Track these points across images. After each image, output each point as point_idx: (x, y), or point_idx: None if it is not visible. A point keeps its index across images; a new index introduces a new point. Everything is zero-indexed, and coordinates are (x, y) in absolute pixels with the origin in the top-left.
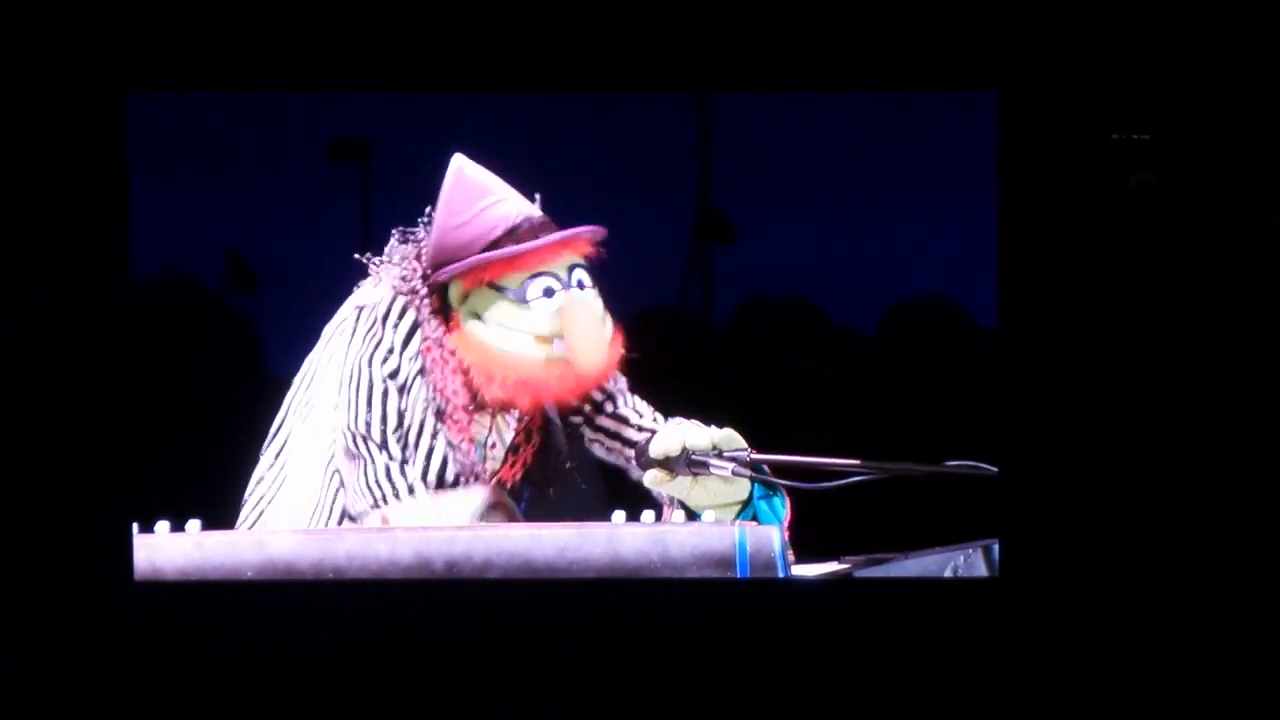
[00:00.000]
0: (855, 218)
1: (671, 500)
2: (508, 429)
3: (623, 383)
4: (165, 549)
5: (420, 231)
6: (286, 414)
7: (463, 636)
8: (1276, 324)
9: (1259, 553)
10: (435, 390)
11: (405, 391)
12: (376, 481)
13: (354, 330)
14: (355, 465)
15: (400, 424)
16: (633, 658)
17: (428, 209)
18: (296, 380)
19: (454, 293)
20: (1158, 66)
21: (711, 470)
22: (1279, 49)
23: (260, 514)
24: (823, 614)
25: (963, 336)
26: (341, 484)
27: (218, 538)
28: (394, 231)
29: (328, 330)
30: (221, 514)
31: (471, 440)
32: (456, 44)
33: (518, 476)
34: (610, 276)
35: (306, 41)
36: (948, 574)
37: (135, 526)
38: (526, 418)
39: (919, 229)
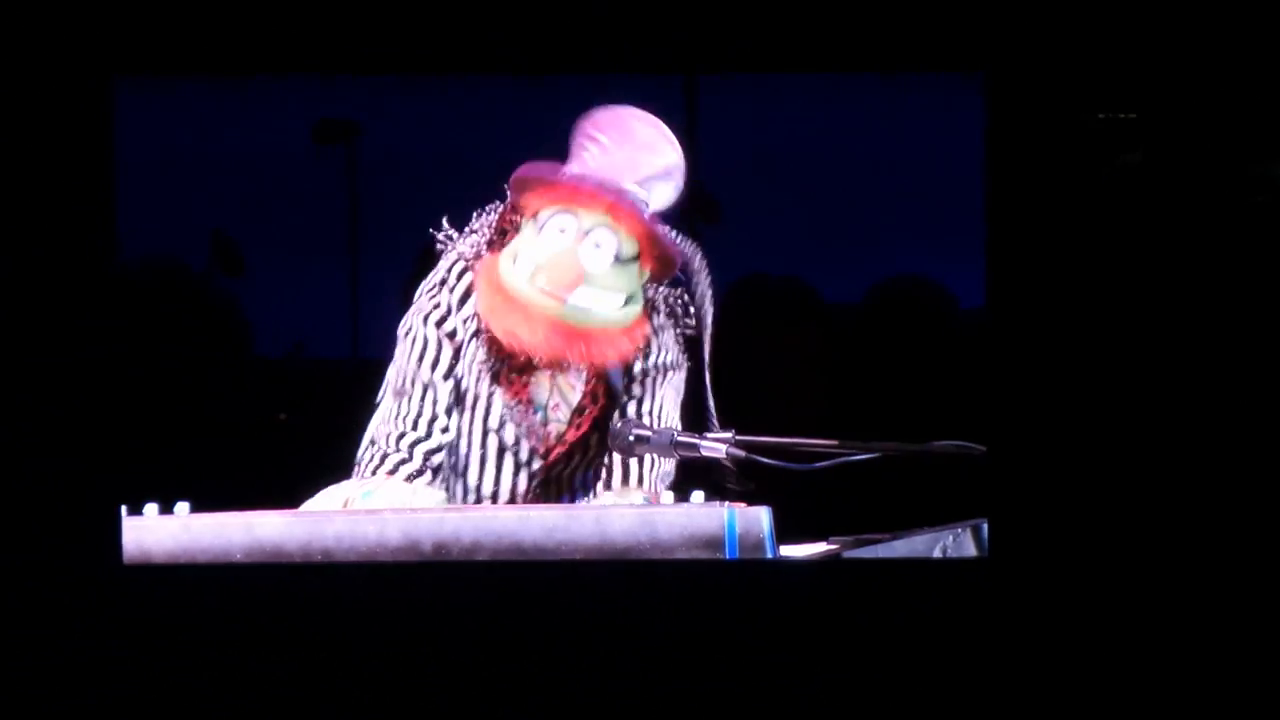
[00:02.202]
0: (842, 199)
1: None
2: (573, 390)
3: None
4: (154, 532)
5: (499, 205)
6: (384, 385)
7: (451, 618)
8: (1265, 303)
9: (1249, 533)
10: (490, 351)
11: (461, 354)
12: (409, 420)
13: (416, 300)
14: (397, 400)
15: (450, 374)
16: (621, 638)
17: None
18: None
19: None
20: (1145, 46)
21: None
22: (1265, 27)
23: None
24: (811, 595)
25: (950, 316)
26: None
27: (206, 520)
28: (487, 208)
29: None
30: (210, 496)
31: (530, 402)
32: (442, 27)
33: (585, 437)
34: None
35: (293, 24)
36: (937, 554)
37: (123, 509)
38: (593, 379)
39: (906, 209)
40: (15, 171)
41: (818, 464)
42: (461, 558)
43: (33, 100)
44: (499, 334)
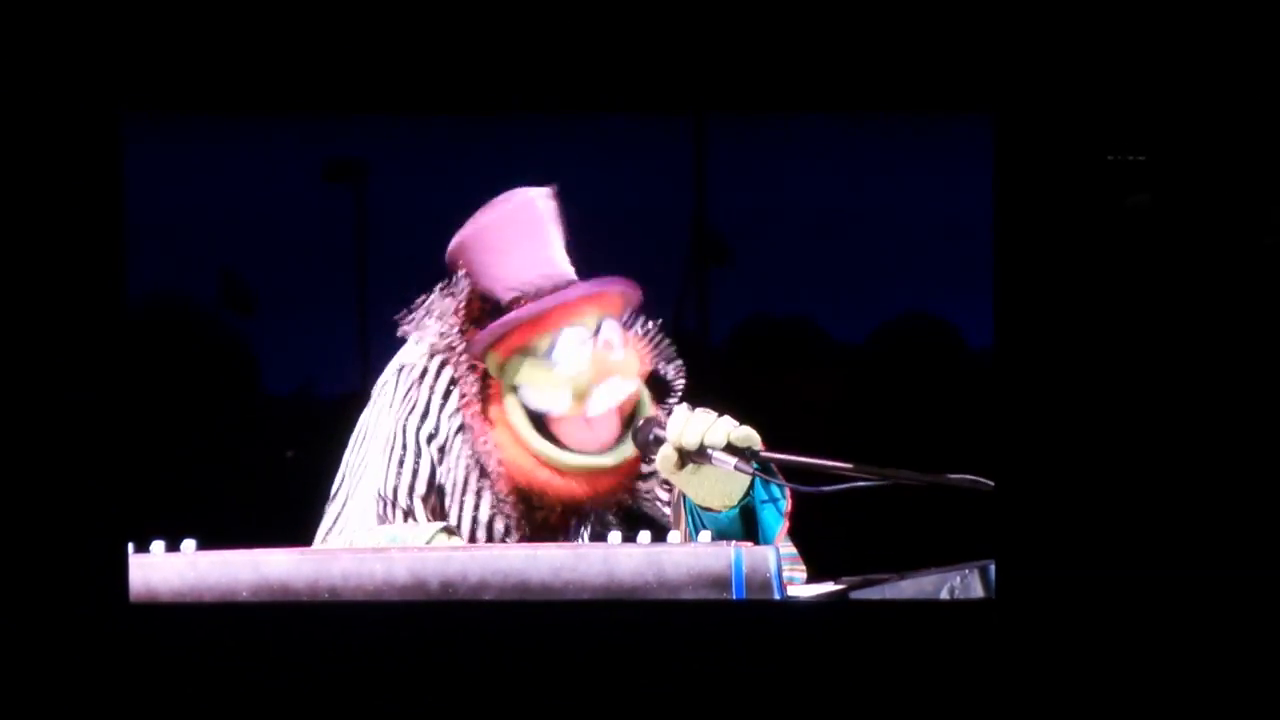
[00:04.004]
0: (851, 239)
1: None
2: None
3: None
4: (160, 569)
5: (462, 283)
6: (344, 475)
7: (458, 657)
8: (1272, 343)
9: (1260, 573)
10: (477, 447)
11: (445, 451)
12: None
13: (394, 392)
14: (382, 523)
15: (430, 490)
16: (628, 679)
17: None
18: (351, 439)
19: (492, 362)
20: (1154, 88)
21: (714, 462)
22: (1274, 70)
23: None
24: (819, 636)
25: (959, 356)
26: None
27: (212, 558)
28: (438, 286)
29: (375, 390)
30: (217, 533)
31: (520, 494)
32: (452, 66)
33: (566, 522)
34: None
35: (303, 62)
36: (944, 595)
37: (130, 546)
38: None
39: (915, 249)
40: (26, 207)
41: (826, 488)
42: (468, 596)
43: (43, 137)
44: (531, 495)
